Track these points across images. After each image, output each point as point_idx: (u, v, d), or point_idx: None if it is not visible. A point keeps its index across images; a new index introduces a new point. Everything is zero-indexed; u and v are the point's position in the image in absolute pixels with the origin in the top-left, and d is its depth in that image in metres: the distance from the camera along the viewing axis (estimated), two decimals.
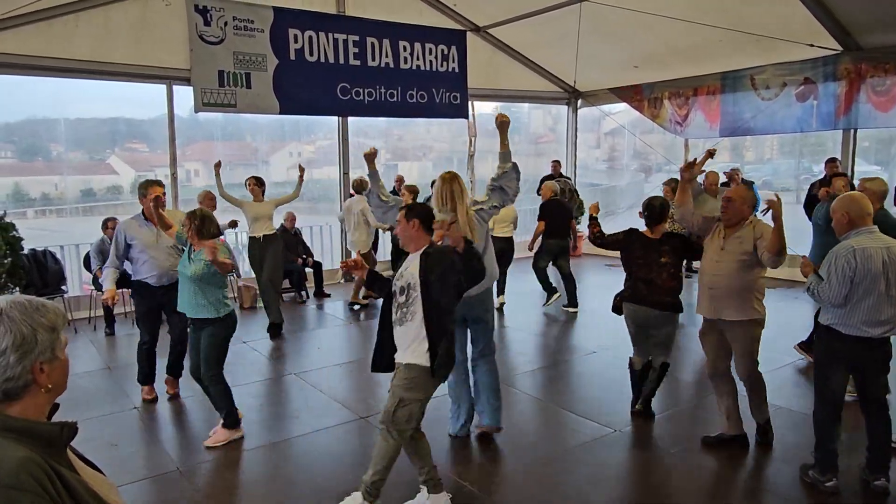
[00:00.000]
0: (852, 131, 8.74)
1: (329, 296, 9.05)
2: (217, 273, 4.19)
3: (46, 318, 1.27)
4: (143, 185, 5.03)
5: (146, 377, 5.23)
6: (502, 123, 4.31)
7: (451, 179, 4.01)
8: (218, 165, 7.20)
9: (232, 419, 4.41)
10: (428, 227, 3.34)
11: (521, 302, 8.68)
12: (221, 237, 4.68)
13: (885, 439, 3.57)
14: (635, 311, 4.47)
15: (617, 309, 4.65)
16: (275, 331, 7.12)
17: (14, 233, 7.17)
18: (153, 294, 5.07)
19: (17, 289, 7.15)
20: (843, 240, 3.44)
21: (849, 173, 8.57)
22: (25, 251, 7.40)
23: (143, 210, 5.07)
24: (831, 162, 7.91)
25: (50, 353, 1.27)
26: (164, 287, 5.01)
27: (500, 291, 8.07)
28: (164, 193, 4.99)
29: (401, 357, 3.31)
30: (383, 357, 3.44)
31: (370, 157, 4.28)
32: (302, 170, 7.59)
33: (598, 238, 4.65)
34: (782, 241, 3.68)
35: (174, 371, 5.32)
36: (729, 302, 3.93)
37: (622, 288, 4.59)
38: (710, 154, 5.25)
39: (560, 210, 8.05)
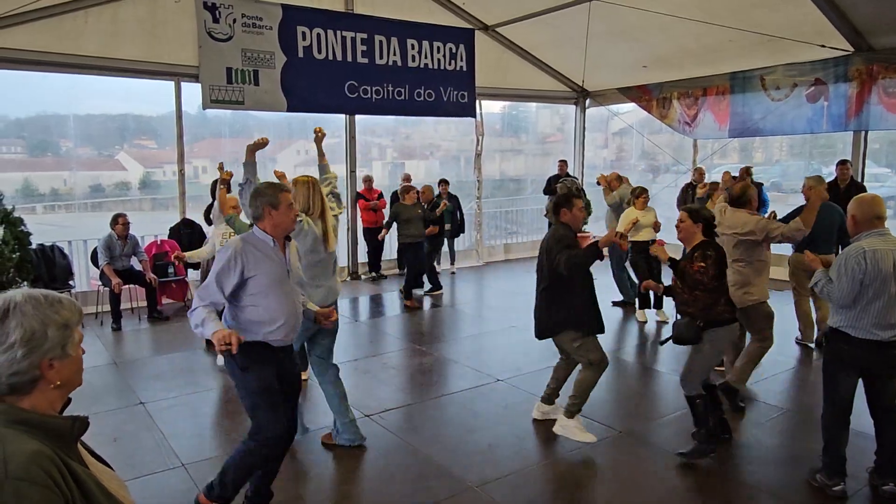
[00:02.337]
0: (863, 133, 8.67)
1: None
2: None
3: (60, 314, 1.27)
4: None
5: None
6: (319, 139, 4.63)
7: (316, 184, 4.00)
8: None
9: None
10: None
11: (527, 302, 8.65)
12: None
13: (893, 444, 3.54)
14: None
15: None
16: None
17: (22, 227, 7.21)
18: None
19: (25, 283, 7.19)
20: (855, 241, 3.43)
21: (859, 175, 8.52)
22: (34, 246, 7.44)
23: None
24: (842, 164, 7.85)
25: (60, 350, 1.26)
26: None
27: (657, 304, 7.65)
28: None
29: None
30: None
31: (257, 147, 4.03)
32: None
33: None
34: None
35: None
36: None
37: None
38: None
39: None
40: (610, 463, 4.07)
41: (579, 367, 4.37)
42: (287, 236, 3.24)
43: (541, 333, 4.35)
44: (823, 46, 7.96)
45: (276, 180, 4.20)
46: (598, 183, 8.45)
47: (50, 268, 7.58)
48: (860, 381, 3.54)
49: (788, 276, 6.38)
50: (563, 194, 4.34)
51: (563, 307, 4.17)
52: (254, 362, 3.06)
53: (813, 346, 6.23)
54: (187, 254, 5.84)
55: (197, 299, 3.00)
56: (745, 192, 4.77)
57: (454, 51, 10.10)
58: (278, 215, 3.09)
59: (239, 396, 3.26)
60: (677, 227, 4.07)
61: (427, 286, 9.09)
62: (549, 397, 4.68)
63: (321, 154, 4.74)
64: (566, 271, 3.97)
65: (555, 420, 4.59)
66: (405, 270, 8.75)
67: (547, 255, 4.11)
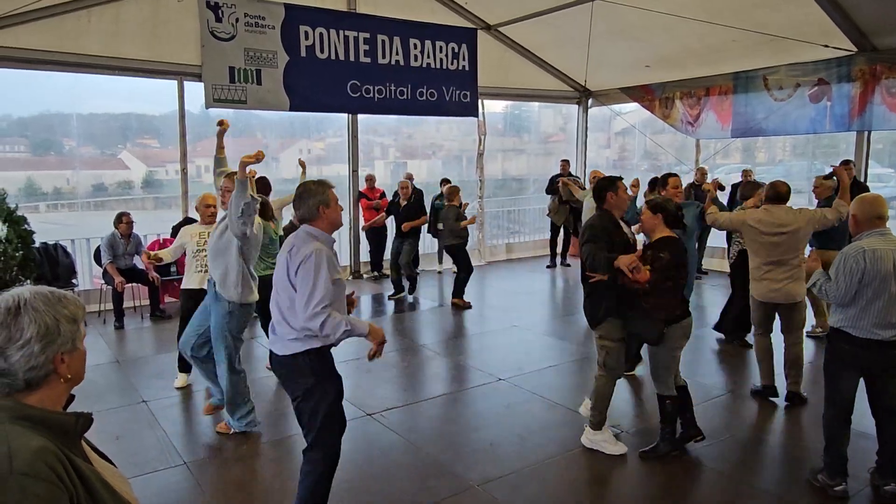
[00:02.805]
0: (866, 133, 8.65)
1: None
2: None
3: (68, 309, 1.30)
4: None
5: None
6: (221, 132, 4.69)
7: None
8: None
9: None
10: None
11: (529, 301, 8.66)
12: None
13: (895, 444, 3.54)
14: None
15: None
16: None
17: (26, 226, 7.24)
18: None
19: (29, 281, 7.21)
20: (856, 240, 3.43)
21: (862, 175, 8.50)
22: (37, 244, 7.46)
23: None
24: (845, 164, 7.82)
25: (71, 343, 1.29)
26: None
27: None
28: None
29: None
30: None
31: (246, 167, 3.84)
32: (303, 164, 7.24)
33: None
34: None
35: None
36: None
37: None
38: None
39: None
40: (612, 462, 4.07)
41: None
42: None
43: (589, 323, 4.19)
44: (826, 46, 7.95)
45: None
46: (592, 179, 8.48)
47: (53, 266, 7.61)
48: (861, 380, 3.54)
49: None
50: (608, 177, 4.18)
51: (601, 296, 4.00)
52: (331, 370, 3.03)
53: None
54: (160, 252, 5.50)
55: (321, 310, 2.81)
56: (790, 189, 4.84)
57: (456, 50, 10.10)
58: (331, 212, 3.03)
59: (304, 408, 3.05)
60: (639, 219, 4.09)
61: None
62: None
63: (220, 147, 4.83)
64: (587, 265, 3.90)
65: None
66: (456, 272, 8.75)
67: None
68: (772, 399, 4.92)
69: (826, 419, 3.63)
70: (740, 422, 4.68)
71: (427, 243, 10.86)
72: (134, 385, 5.46)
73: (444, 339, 6.98)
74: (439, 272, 10.57)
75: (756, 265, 4.87)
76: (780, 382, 4.98)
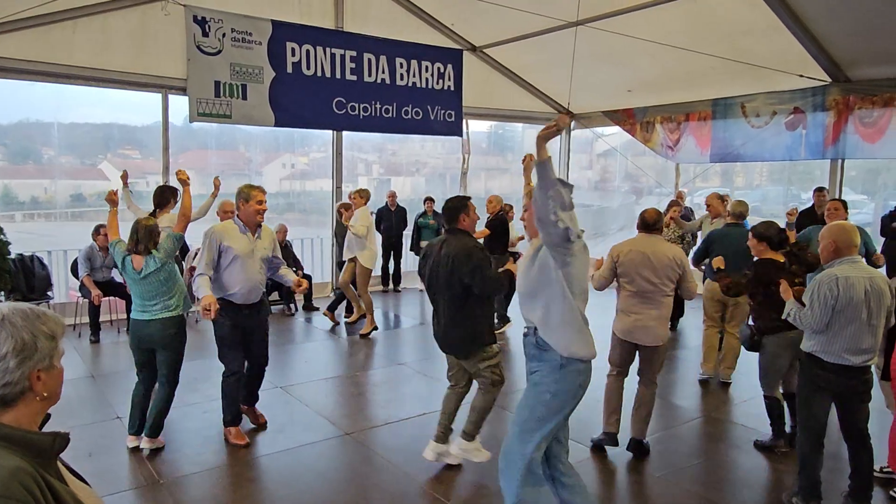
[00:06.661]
0: (840, 161, 8.88)
1: (318, 309, 9.01)
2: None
3: (47, 326, 1.29)
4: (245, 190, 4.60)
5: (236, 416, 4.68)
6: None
7: None
8: (125, 176, 6.82)
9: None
10: None
11: (514, 317, 8.68)
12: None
13: (867, 468, 3.60)
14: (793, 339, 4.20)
15: (756, 345, 4.47)
16: None
17: (1, 236, 7.11)
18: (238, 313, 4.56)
19: (2, 293, 7.08)
20: (828, 268, 3.51)
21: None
22: (12, 255, 7.34)
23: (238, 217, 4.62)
24: (819, 191, 8.01)
25: (48, 361, 1.28)
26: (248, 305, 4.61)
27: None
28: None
29: None
30: None
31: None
32: (217, 183, 6.85)
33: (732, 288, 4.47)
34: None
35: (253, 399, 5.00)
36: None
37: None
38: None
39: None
40: (601, 478, 4.08)
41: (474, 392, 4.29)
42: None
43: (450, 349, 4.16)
44: (802, 76, 8.17)
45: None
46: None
47: (28, 278, 7.48)
48: (834, 405, 3.60)
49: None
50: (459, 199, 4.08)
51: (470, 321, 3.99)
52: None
53: (706, 377, 6.10)
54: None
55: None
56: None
57: (442, 70, 10.21)
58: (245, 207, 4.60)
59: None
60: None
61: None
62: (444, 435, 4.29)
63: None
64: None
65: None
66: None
67: (455, 269, 3.84)
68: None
69: (799, 443, 3.69)
70: (715, 445, 4.72)
71: (409, 261, 10.88)
72: (108, 400, 5.37)
73: (425, 357, 6.96)
74: (421, 290, 10.57)
75: None
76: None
